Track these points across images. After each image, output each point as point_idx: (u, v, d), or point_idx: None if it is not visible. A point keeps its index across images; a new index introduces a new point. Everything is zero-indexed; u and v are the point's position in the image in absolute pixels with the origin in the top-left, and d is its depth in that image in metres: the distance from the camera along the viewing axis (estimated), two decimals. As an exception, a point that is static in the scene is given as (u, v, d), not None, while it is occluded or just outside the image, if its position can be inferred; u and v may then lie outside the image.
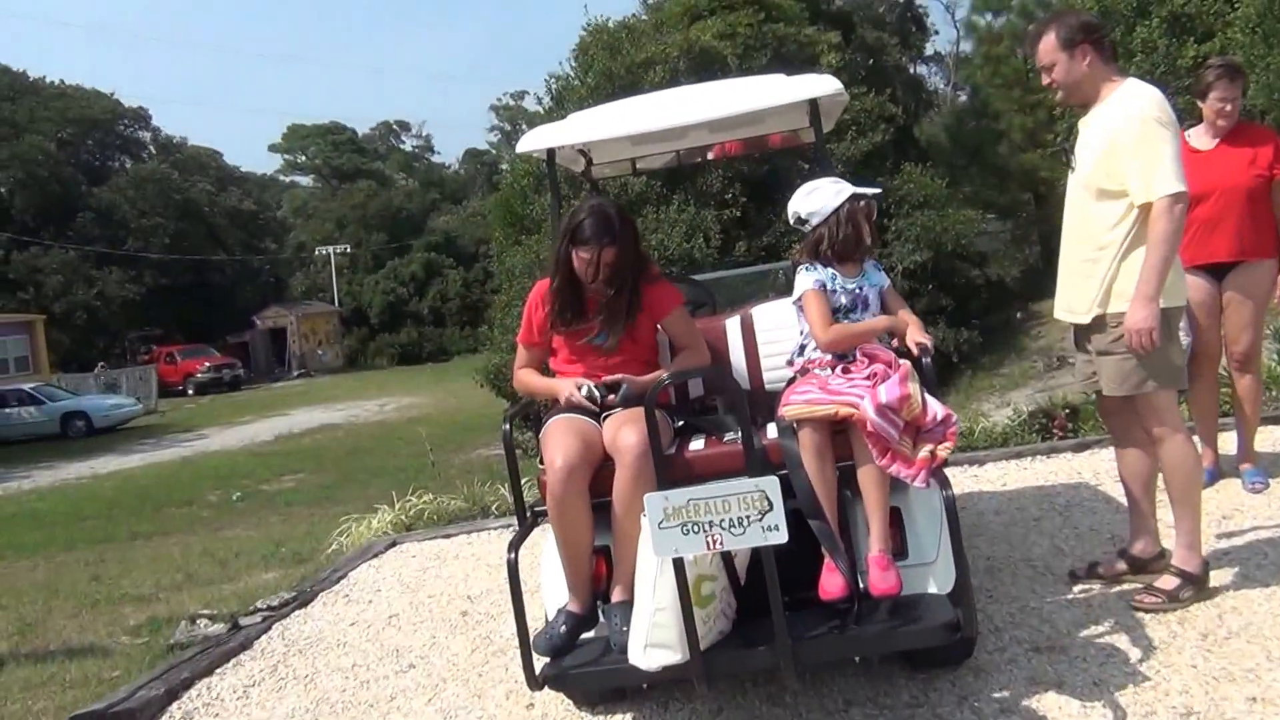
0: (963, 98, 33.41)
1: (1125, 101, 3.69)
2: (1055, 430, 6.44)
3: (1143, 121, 3.59)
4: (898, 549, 3.25)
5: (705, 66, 17.78)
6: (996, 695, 3.34)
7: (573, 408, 3.51)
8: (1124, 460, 4.10)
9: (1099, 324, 3.77)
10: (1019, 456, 6.31)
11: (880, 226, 19.12)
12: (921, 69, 29.23)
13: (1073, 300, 3.88)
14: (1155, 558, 4.05)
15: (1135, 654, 3.48)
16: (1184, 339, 4.57)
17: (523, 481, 3.81)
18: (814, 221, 3.48)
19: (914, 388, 3.15)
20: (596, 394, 3.49)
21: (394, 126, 78.69)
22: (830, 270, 3.47)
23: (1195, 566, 3.80)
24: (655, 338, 3.71)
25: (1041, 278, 18.89)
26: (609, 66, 18.12)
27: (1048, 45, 3.82)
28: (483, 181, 61.63)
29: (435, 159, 78.68)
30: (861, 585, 3.15)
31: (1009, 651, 3.63)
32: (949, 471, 5.97)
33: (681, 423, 3.72)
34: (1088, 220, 3.78)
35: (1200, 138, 4.87)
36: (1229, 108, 4.73)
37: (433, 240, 55.63)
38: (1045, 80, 3.90)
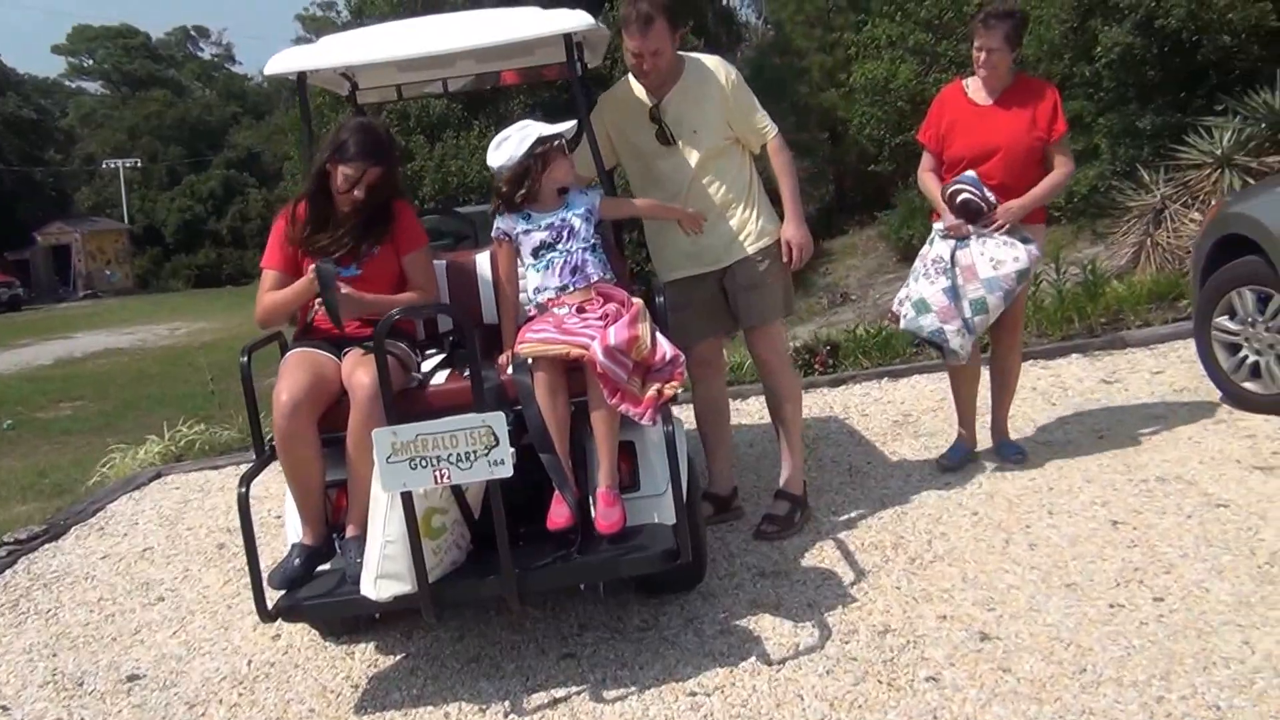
0: (773, 33, 33.84)
1: (708, 72, 4.04)
2: (816, 366, 6.74)
3: (731, 83, 4.02)
4: (630, 482, 3.39)
5: (513, -11, 17.39)
6: (720, 617, 3.54)
7: (312, 341, 3.48)
8: (707, 402, 4.42)
9: (747, 265, 4.07)
10: (780, 391, 6.57)
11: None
12: (734, 1, 29.22)
13: (714, 248, 4.06)
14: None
15: (849, 577, 3.74)
16: (999, 304, 4.32)
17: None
18: (503, 175, 3.53)
19: (644, 328, 3.25)
20: (331, 267, 3.34)
21: (191, 32, 73.72)
22: (523, 212, 3.54)
23: (800, 488, 4.26)
24: (399, 270, 3.66)
25: (833, 215, 19.42)
26: (415, -18, 17.53)
27: (661, 31, 3.88)
28: (288, 96, 58.58)
29: (237, 69, 74.29)
30: (593, 516, 3.26)
31: (738, 577, 3.85)
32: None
33: (433, 359, 3.73)
34: (710, 179, 4.04)
35: (978, 90, 4.55)
36: (984, 55, 4.41)
37: (233, 156, 52.95)
38: (646, 66, 3.93)
